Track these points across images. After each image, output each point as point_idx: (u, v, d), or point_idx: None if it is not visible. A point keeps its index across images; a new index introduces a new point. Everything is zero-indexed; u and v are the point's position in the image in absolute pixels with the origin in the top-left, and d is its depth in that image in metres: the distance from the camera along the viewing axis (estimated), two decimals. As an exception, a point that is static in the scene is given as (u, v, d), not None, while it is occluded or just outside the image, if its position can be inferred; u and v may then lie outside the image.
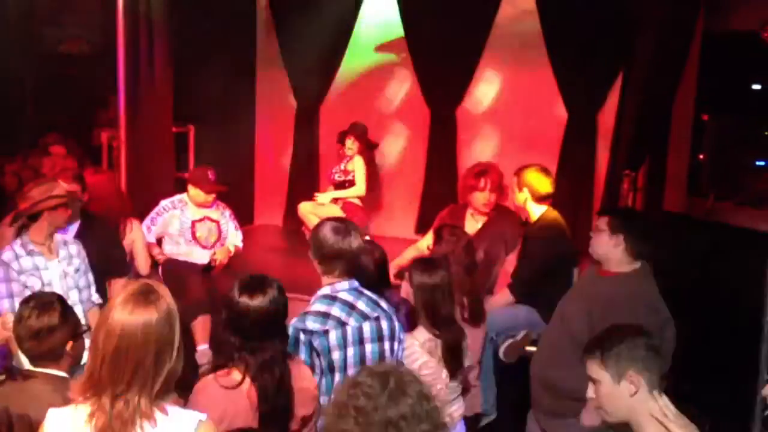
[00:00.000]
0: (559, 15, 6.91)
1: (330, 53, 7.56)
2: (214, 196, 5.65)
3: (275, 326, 2.79)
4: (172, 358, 2.16)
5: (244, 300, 2.73)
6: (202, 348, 5.11)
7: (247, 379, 2.69)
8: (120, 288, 4.48)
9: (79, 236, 4.48)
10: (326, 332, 3.14)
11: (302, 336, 3.12)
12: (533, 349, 4.30)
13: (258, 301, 2.73)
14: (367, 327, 3.24)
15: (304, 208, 6.71)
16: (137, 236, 5.23)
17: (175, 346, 2.17)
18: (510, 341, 4.71)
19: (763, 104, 6.54)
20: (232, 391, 2.66)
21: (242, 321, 2.73)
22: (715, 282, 5.24)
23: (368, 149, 6.81)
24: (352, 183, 6.68)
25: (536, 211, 4.88)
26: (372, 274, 3.71)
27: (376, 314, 3.28)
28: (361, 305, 3.25)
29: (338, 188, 6.75)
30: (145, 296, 2.15)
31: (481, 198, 5.30)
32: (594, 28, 6.71)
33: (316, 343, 3.12)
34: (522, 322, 4.74)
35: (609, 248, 3.61)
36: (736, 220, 5.96)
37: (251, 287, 2.77)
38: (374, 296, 3.34)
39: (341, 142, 6.79)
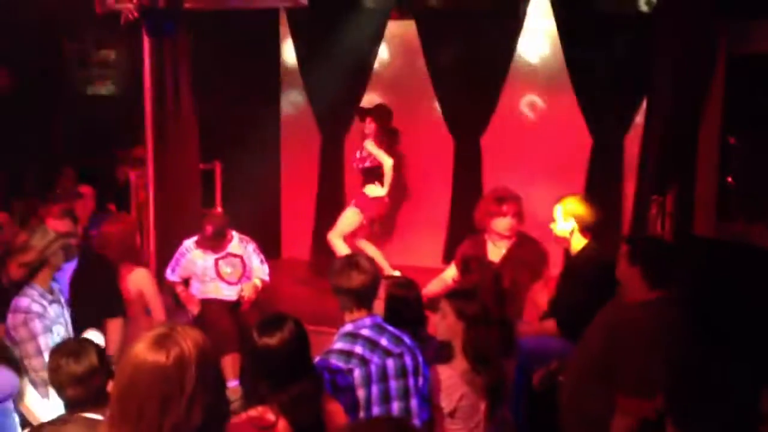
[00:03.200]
0: (581, 41, 6.93)
1: (353, 83, 7.62)
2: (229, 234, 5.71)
3: (301, 362, 2.78)
4: (181, 408, 2.03)
5: (264, 341, 2.74)
6: (233, 384, 5.11)
7: (282, 420, 2.67)
8: (118, 329, 4.59)
9: (77, 274, 4.51)
10: (350, 371, 3.13)
11: (326, 374, 3.11)
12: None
13: (277, 339, 2.73)
14: (390, 364, 3.23)
15: (334, 233, 6.74)
16: (146, 286, 5.20)
17: (188, 397, 2.03)
18: (543, 371, 4.66)
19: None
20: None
21: (263, 362, 2.73)
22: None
23: (387, 134, 6.77)
24: (373, 165, 6.65)
25: (580, 242, 4.83)
26: (411, 309, 3.69)
27: (399, 350, 3.26)
28: (384, 342, 3.24)
29: (368, 179, 6.73)
30: (161, 339, 2.09)
31: (504, 224, 5.27)
32: (615, 53, 6.72)
33: (341, 381, 3.11)
34: (554, 349, 4.69)
35: (627, 277, 3.61)
36: (768, 242, 5.88)
37: (268, 327, 2.77)
38: (397, 332, 3.32)
39: (362, 119, 6.81)
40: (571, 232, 4.81)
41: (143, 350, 2.08)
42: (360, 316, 3.25)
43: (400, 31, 7.64)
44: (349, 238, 6.84)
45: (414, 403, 3.28)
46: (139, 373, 2.06)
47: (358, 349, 3.18)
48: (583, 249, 4.82)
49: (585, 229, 4.81)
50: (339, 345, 3.21)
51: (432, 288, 5.29)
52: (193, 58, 6.74)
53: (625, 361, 3.34)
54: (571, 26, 6.98)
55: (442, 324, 3.61)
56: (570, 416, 3.74)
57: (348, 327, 3.25)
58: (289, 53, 8.13)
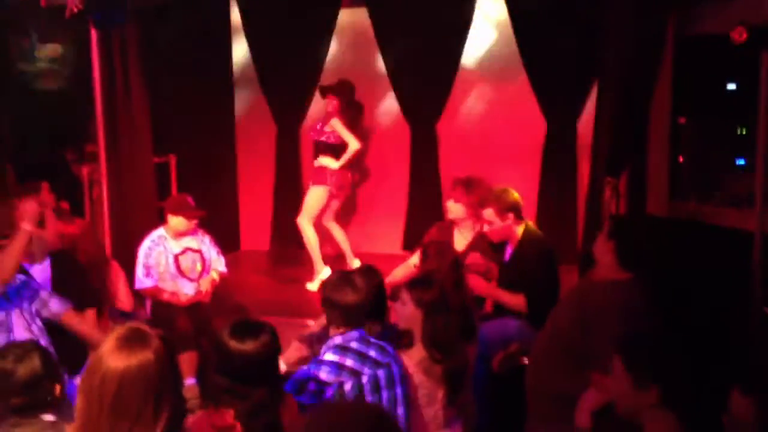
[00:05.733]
0: (533, 26, 7.00)
1: (306, 72, 7.57)
2: (196, 221, 5.62)
3: (265, 372, 2.73)
4: (172, 399, 2.11)
5: (234, 343, 2.68)
6: (189, 382, 5.08)
7: (238, 425, 2.63)
8: (93, 320, 4.58)
9: (52, 273, 4.55)
10: (341, 384, 3.14)
11: (312, 385, 3.12)
12: (527, 359, 4.29)
13: (248, 346, 2.68)
14: (382, 374, 3.26)
15: (303, 218, 6.70)
16: (117, 275, 5.30)
17: (175, 386, 2.13)
18: (502, 353, 4.70)
19: (739, 104, 6.60)
20: None
21: (230, 364, 2.68)
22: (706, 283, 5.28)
23: (350, 108, 6.70)
24: (333, 142, 6.60)
25: (520, 227, 4.89)
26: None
27: (387, 360, 3.30)
28: (373, 353, 3.28)
29: (322, 152, 6.66)
30: (137, 338, 2.11)
31: (450, 207, 5.34)
32: (566, 37, 6.79)
33: (329, 393, 3.11)
34: (513, 334, 4.74)
35: (603, 252, 3.64)
36: (720, 221, 6.00)
37: (243, 331, 2.72)
38: (381, 342, 3.36)
39: (323, 96, 6.76)
40: (511, 223, 4.84)
41: (125, 355, 2.08)
42: (347, 330, 3.28)
43: (352, 19, 7.61)
44: (318, 218, 6.78)
45: (401, 411, 3.31)
46: (129, 380, 2.07)
47: (349, 362, 3.20)
48: (527, 232, 4.88)
49: (519, 214, 4.86)
50: (329, 356, 3.21)
51: (396, 274, 5.30)
52: (144, 50, 6.64)
53: (597, 339, 3.36)
54: (523, 12, 7.02)
55: (402, 312, 3.62)
56: (539, 397, 3.76)
57: (337, 339, 3.27)
58: (241, 43, 8.06)
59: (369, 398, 3.18)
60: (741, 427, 2.59)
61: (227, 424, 2.60)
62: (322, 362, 3.19)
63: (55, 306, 4.07)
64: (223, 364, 2.71)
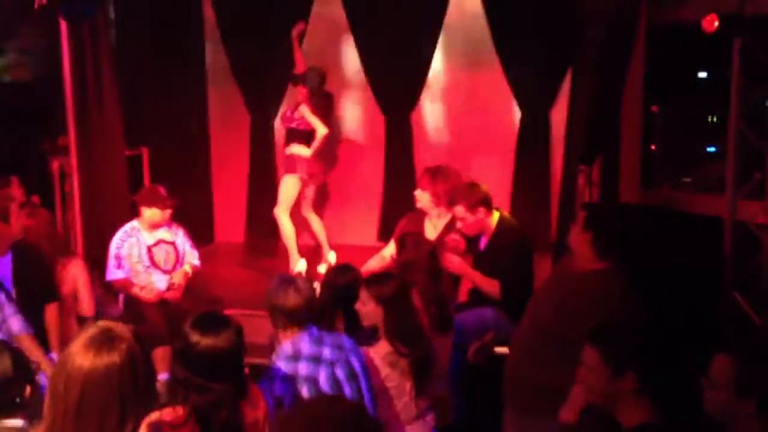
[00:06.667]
0: (506, 15, 7.02)
1: (281, 64, 7.53)
2: (170, 211, 5.57)
3: (227, 369, 2.66)
4: (139, 403, 2.05)
5: (195, 335, 2.63)
6: (163, 377, 5.04)
7: (192, 421, 2.52)
8: (55, 317, 4.56)
9: (13, 267, 4.54)
10: (296, 394, 3.11)
11: (269, 400, 3.05)
12: (502, 349, 4.31)
13: (209, 340, 2.62)
14: (340, 371, 3.22)
15: (279, 208, 6.67)
16: (79, 276, 5.20)
17: (142, 391, 2.07)
18: (478, 343, 4.72)
19: (710, 91, 6.66)
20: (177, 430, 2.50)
21: (188, 356, 2.62)
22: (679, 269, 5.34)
23: (320, 98, 6.67)
24: (303, 128, 6.58)
25: (493, 218, 4.89)
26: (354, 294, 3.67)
27: (343, 356, 3.26)
28: (327, 352, 3.23)
29: (294, 139, 6.64)
30: (105, 340, 2.05)
31: (418, 195, 5.34)
32: (540, 26, 6.82)
33: (288, 402, 3.07)
34: (489, 323, 4.75)
35: (579, 243, 3.64)
36: (692, 208, 6.06)
37: (205, 324, 2.66)
38: (335, 338, 3.32)
39: (294, 84, 6.75)
40: (483, 216, 4.84)
41: (91, 356, 2.02)
42: (294, 333, 3.24)
43: (326, 8, 7.57)
44: (295, 207, 6.76)
45: (366, 402, 3.28)
46: (94, 382, 2.01)
47: (302, 369, 3.16)
48: (501, 221, 4.88)
49: (489, 206, 4.87)
50: (282, 371, 3.16)
51: (371, 265, 5.29)
52: (115, 41, 6.55)
53: (579, 330, 3.37)
54: (497, 1, 7.03)
55: (364, 311, 3.61)
56: (519, 388, 3.75)
57: (288, 350, 3.22)
58: (213, 34, 7.98)
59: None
60: (719, 386, 2.63)
61: (179, 420, 2.48)
62: (275, 377, 3.14)
63: (16, 326, 4.04)
64: (182, 355, 2.65)
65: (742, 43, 4.90)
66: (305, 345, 3.21)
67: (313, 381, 3.14)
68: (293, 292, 3.22)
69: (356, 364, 3.29)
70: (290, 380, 3.12)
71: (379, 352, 3.53)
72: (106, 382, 2.02)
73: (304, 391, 3.12)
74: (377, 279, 3.69)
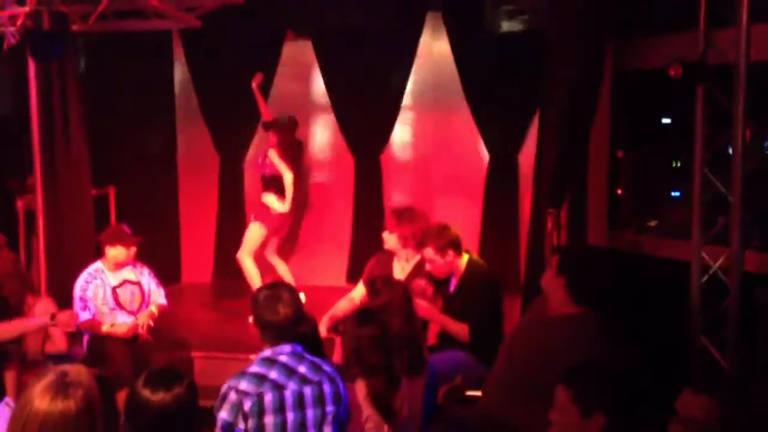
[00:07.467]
0: (475, 59, 7.13)
1: (250, 105, 7.53)
2: (135, 249, 5.50)
3: (173, 427, 2.55)
4: None
5: (145, 392, 2.53)
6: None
7: None
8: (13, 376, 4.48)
9: None
10: (260, 395, 3.07)
11: (233, 395, 3.06)
12: (474, 392, 4.29)
13: (159, 397, 2.52)
14: (308, 392, 3.18)
15: (242, 252, 6.66)
16: (50, 311, 5.09)
17: None
18: (448, 386, 4.69)
19: (674, 137, 6.79)
20: None
21: (137, 413, 2.54)
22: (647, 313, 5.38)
23: (290, 146, 6.70)
24: (273, 174, 6.61)
25: (462, 260, 4.89)
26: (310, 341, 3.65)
27: (318, 378, 3.22)
28: (303, 369, 3.20)
29: (268, 187, 6.67)
30: (63, 386, 2.03)
31: (386, 237, 5.31)
32: (507, 72, 6.93)
33: (247, 405, 3.04)
34: (460, 366, 4.73)
35: (553, 286, 3.66)
36: (657, 251, 6.13)
37: (157, 381, 2.57)
38: (317, 360, 3.30)
39: (265, 130, 6.81)
40: (452, 259, 4.85)
41: (48, 400, 2.01)
42: (277, 345, 3.22)
43: (296, 50, 7.62)
44: (260, 252, 6.75)
45: (328, 431, 3.24)
46: (50, 427, 1.99)
47: (273, 374, 3.13)
48: (470, 263, 4.89)
49: (458, 249, 4.87)
50: (254, 368, 3.16)
51: (340, 306, 5.25)
52: (84, 81, 6.52)
53: (555, 376, 3.36)
54: (465, 45, 7.16)
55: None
56: (493, 431, 3.74)
57: (266, 352, 3.21)
58: (183, 75, 7.99)
59: (291, 414, 3.11)
60: (692, 426, 2.62)
61: None
62: (246, 373, 3.12)
63: None
64: (131, 412, 2.57)
65: (706, 91, 5.00)
66: (284, 355, 3.19)
67: (279, 389, 3.10)
68: (281, 307, 3.19)
69: (327, 390, 3.23)
70: (259, 379, 3.09)
71: (362, 390, 3.51)
72: (61, 427, 2.00)
73: (268, 398, 3.07)
74: (362, 314, 3.72)
